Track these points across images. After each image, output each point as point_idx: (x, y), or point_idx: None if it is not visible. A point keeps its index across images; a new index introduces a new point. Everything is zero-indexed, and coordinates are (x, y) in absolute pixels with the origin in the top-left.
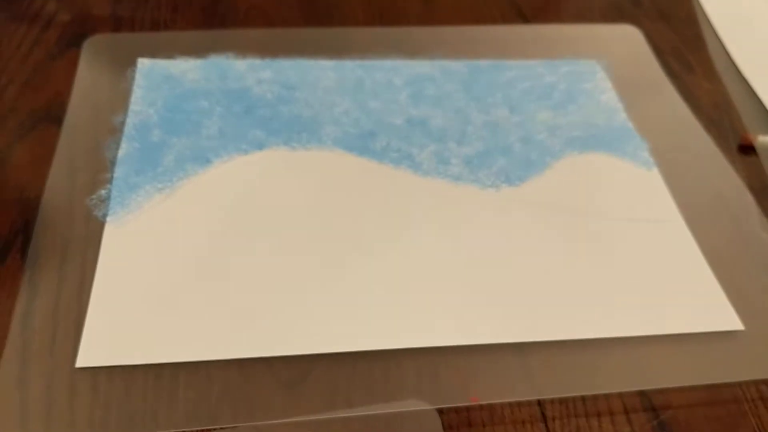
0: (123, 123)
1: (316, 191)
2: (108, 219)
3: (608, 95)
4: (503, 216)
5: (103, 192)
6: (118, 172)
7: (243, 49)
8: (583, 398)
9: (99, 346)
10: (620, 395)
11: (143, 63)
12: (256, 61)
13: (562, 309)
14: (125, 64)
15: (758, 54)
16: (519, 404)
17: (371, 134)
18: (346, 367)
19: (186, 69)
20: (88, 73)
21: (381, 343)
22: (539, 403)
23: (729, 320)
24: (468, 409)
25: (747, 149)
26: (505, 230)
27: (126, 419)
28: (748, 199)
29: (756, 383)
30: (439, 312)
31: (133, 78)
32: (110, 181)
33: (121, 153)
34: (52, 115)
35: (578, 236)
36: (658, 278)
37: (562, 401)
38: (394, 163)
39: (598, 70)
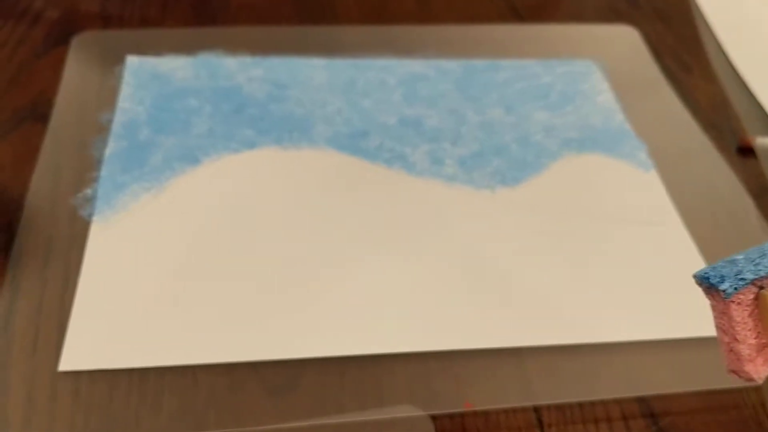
0: (110, 121)
1: (306, 192)
2: (94, 219)
3: (605, 96)
4: (498, 218)
5: (88, 191)
6: (105, 171)
7: (233, 47)
8: (580, 404)
9: (82, 350)
10: (618, 401)
11: (132, 60)
12: (247, 59)
13: (559, 313)
14: (114, 62)
15: (756, 55)
16: (514, 410)
17: (364, 134)
18: (336, 372)
19: (175, 67)
20: (76, 71)
21: (372, 348)
22: (535, 409)
23: None
24: (462, 415)
25: (746, 151)
26: (501, 233)
27: (108, 425)
28: (747, 201)
29: (757, 389)
30: (432, 316)
31: (121, 76)
32: (96, 180)
33: (108, 151)
34: (38, 113)
35: (574, 239)
36: (656, 282)
37: (559, 407)
38: (387, 163)
39: (594, 71)
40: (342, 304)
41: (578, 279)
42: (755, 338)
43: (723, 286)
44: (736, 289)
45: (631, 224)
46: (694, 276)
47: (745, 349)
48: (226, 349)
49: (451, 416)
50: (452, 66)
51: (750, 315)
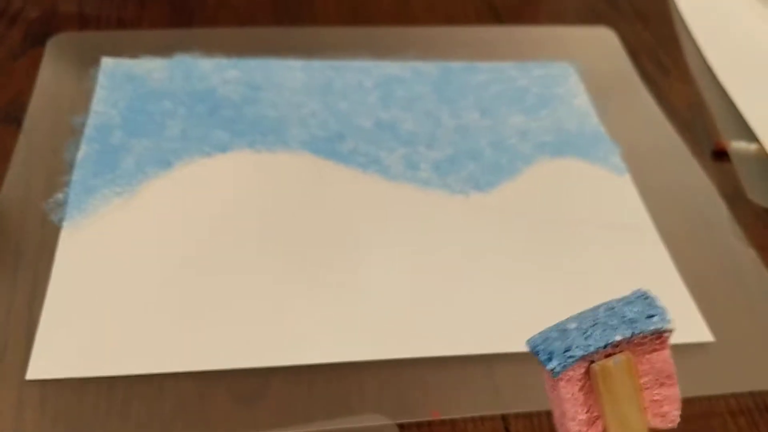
0: (84, 124)
1: (279, 197)
2: (64, 224)
3: (580, 99)
4: (472, 223)
5: (60, 195)
6: (77, 174)
7: (211, 48)
8: (548, 413)
9: (50, 358)
10: None
11: (107, 62)
12: (223, 61)
13: (530, 320)
14: (89, 63)
15: (734, 58)
16: (482, 419)
17: (339, 137)
18: (304, 380)
19: (151, 68)
20: (51, 73)
21: (340, 356)
22: (503, 417)
23: (699, 332)
24: (430, 423)
25: (721, 155)
26: (473, 239)
27: None
28: (721, 206)
29: (725, 397)
30: (401, 323)
31: (96, 78)
32: (68, 184)
33: (80, 155)
34: (11, 116)
35: (547, 244)
36: (628, 287)
37: (527, 416)
38: (362, 167)
39: (571, 73)
40: (310, 312)
41: (550, 285)
42: (586, 413)
43: (551, 365)
44: (564, 367)
45: (604, 229)
46: (527, 343)
47: (574, 426)
48: (194, 357)
49: (418, 425)
50: (429, 68)
51: (581, 389)
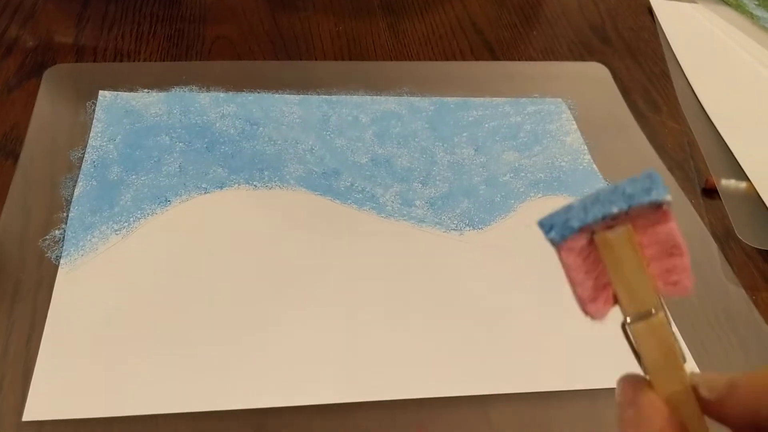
0: (81, 158)
1: (276, 235)
2: (61, 262)
3: (573, 137)
4: (465, 262)
5: (57, 232)
6: (74, 211)
7: (208, 82)
8: None
9: (47, 399)
10: None
11: (104, 96)
12: (220, 95)
13: (524, 360)
14: (86, 96)
15: (725, 97)
16: None
17: (335, 173)
18: (300, 421)
19: (148, 102)
20: (48, 105)
21: (337, 397)
22: None
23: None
24: None
25: (711, 193)
26: (467, 277)
27: None
28: (711, 245)
29: None
30: (397, 363)
31: (93, 111)
32: (65, 220)
33: (77, 191)
34: (8, 149)
35: (541, 281)
36: (618, 324)
37: None
38: (358, 204)
39: (563, 110)
40: (308, 351)
41: (545, 322)
42: (595, 279)
43: (550, 235)
44: (563, 236)
45: None
46: (537, 223)
47: (582, 292)
48: (191, 398)
49: None
50: (424, 104)
51: (585, 259)
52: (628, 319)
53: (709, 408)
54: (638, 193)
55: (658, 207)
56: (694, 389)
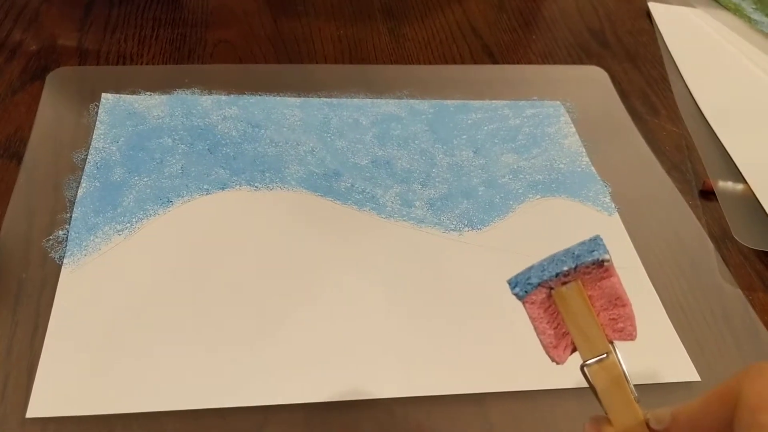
0: (84, 160)
1: (277, 235)
2: (65, 261)
3: (571, 139)
4: (465, 261)
5: (60, 233)
6: (77, 212)
7: (210, 85)
8: None
9: (51, 396)
10: None
11: (107, 98)
12: (222, 98)
13: (522, 359)
14: (89, 99)
15: (722, 100)
16: None
17: (336, 174)
18: (301, 419)
19: (151, 105)
20: (51, 108)
21: (337, 395)
22: None
23: (686, 371)
24: None
25: (708, 194)
26: (467, 277)
27: None
28: (708, 246)
29: None
30: (397, 362)
31: (96, 113)
32: (68, 221)
33: (80, 192)
34: (11, 151)
35: None
36: None
37: None
38: (358, 205)
39: (562, 113)
40: (309, 350)
41: None
42: (555, 329)
43: (515, 291)
44: (526, 291)
45: None
46: (507, 282)
47: (545, 339)
48: (194, 396)
49: None
50: (424, 106)
51: (546, 311)
52: (584, 362)
53: None
54: (584, 253)
55: (600, 264)
56: (646, 422)
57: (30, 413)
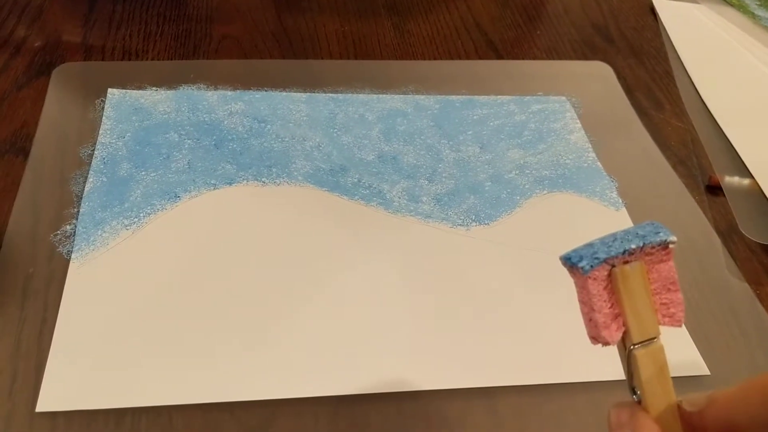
0: (91, 155)
1: (284, 231)
2: (72, 256)
3: (577, 135)
4: (473, 256)
5: (68, 228)
6: (84, 207)
7: (215, 80)
8: None
9: (60, 390)
10: None
11: (113, 93)
12: (228, 93)
13: (531, 353)
14: (95, 94)
15: (727, 94)
16: None
17: (342, 169)
18: (310, 413)
19: (157, 100)
20: (57, 103)
21: (345, 389)
22: None
23: (695, 365)
24: None
25: (715, 189)
26: (474, 272)
27: None
28: (715, 240)
29: None
30: (405, 356)
31: (102, 108)
32: (76, 216)
33: (87, 187)
34: (18, 146)
35: (546, 278)
36: None
37: None
38: (365, 200)
39: (568, 108)
40: (318, 344)
41: (549, 319)
42: (610, 308)
43: (581, 264)
44: (592, 266)
45: None
46: (560, 258)
47: (600, 318)
48: (203, 390)
49: None
50: (430, 102)
51: (605, 288)
52: (634, 345)
53: (691, 420)
54: (649, 234)
55: (665, 246)
56: (678, 406)
57: (39, 407)
